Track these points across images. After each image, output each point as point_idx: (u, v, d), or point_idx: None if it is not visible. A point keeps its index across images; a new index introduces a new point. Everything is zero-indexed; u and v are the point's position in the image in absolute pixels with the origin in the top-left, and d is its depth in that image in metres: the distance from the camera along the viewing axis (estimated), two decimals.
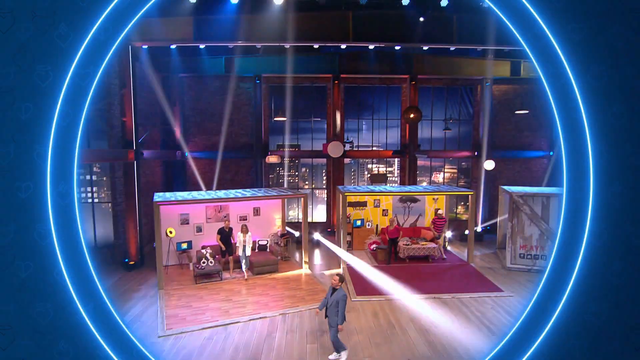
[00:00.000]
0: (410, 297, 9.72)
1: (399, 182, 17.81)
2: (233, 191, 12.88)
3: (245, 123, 17.21)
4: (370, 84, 17.01)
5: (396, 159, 17.92)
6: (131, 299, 9.92)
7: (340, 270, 11.80)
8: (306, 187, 18.27)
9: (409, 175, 16.22)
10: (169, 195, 11.71)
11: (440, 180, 17.84)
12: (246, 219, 13.35)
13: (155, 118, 15.77)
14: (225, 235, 11.38)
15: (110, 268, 12.33)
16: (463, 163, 17.91)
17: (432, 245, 12.65)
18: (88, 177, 13.65)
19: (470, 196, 12.56)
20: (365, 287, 10.45)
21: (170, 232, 12.02)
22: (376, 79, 16.83)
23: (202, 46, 14.43)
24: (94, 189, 13.96)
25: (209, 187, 17.26)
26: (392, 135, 17.47)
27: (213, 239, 12.75)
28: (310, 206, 18.05)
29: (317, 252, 14.30)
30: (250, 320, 8.56)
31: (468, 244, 12.64)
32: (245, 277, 11.15)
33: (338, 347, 6.87)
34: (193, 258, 12.01)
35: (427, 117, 16.98)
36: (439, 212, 12.91)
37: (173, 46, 14.29)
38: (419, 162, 16.83)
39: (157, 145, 16.08)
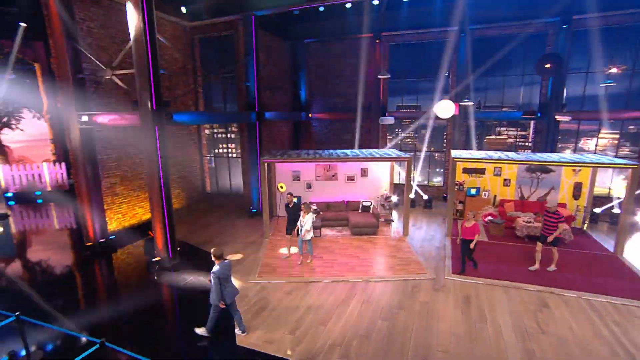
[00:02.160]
0: (518, 286, 7.44)
1: (532, 148, 13.98)
2: (339, 151, 11.98)
3: (364, 84, 15.81)
4: (505, 33, 13.27)
5: (532, 122, 13.98)
6: (244, 243, 10.34)
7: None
8: (424, 149, 16.09)
9: (546, 141, 12.46)
10: (279, 154, 11.54)
11: (592, 147, 13.23)
12: (353, 179, 12.45)
13: (282, 82, 15.75)
14: (290, 211, 9.13)
15: (239, 213, 13.23)
16: (631, 126, 12.82)
17: (563, 225, 9.35)
18: (224, 135, 14.73)
19: (631, 170, 8.71)
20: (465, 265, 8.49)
21: (281, 187, 12.04)
22: (513, 26, 12.99)
23: (321, 9, 13.32)
24: (232, 145, 15.06)
25: (329, 147, 16.87)
26: (531, 94, 13.58)
27: (322, 196, 12.40)
28: (428, 170, 15.98)
29: (424, 218, 12.53)
30: (333, 281, 7.85)
31: (618, 229, 9.03)
32: (300, 262, 8.75)
33: (209, 325, 5.86)
34: None
35: (581, 68, 12.49)
36: (551, 205, 8.08)
37: (296, 12, 13.56)
38: (562, 126, 12.72)
39: (283, 107, 16.17)
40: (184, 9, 12.23)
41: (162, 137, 8.33)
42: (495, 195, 11.39)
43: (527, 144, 14.35)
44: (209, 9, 12.03)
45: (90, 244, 9.59)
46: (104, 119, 8.98)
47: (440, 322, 6.26)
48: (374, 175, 12.43)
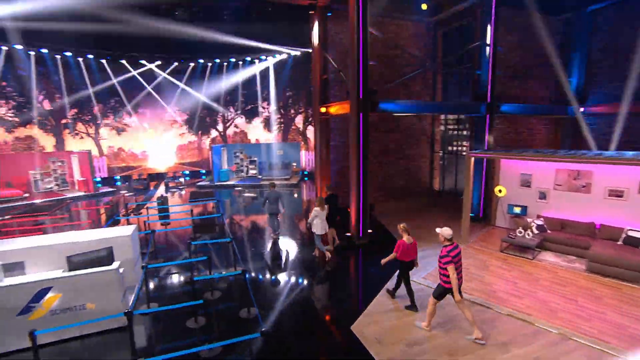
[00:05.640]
0: None
1: None
2: (594, 151, 8.04)
3: None
4: None
5: None
6: (437, 244, 9.05)
7: None
8: None
9: None
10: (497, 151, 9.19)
11: None
12: (621, 196, 8.07)
13: (540, 68, 12.25)
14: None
15: (456, 215, 11.57)
16: None
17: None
18: (456, 132, 13.32)
19: None
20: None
21: (500, 191, 9.54)
22: None
23: None
24: (466, 143, 13.43)
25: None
26: None
27: (558, 210, 8.88)
28: None
29: None
30: (509, 315, 5.59)
31: None
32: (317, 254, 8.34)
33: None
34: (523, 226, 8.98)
35: None
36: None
37: None
38: None
39: (539, 99, 12.59)
40: (424, 6, 11.99)
41: (365, 123, 8.65)
42: None
43: None
44: None
45: None
46: (333, 108, 10.48)
47: None
48: None
